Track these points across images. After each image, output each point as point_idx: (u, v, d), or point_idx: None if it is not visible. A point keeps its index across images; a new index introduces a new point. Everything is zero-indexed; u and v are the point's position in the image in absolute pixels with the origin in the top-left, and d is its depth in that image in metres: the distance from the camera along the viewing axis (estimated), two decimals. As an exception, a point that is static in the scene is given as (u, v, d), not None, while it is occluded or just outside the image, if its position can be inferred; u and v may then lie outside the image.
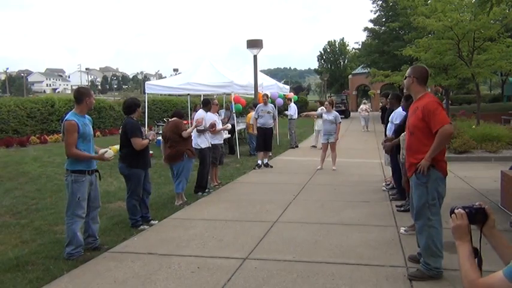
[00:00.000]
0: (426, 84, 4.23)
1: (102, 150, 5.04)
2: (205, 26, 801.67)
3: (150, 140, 6.02)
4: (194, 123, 7.81)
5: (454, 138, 12.02)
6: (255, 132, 11.51)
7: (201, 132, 8.00)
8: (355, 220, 6.04)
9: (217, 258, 4.65)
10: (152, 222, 6.15)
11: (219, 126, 8.67)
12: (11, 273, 4.33)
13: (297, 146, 15.75)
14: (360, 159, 12.56)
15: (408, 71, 4.20)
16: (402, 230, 5.43)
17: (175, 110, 8.17)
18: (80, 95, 4.99)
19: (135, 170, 5.87)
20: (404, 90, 4.73)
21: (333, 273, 4.16)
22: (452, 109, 27.13)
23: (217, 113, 10.45)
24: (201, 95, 15.89)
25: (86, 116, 5.08)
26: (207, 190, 8.10)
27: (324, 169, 10.51)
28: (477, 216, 1.85)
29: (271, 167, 11.02)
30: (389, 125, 7.30)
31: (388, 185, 8.05)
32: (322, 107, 16.53)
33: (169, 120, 7.63)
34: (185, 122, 9.83)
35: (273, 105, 11.98)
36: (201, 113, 8.48)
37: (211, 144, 8.51)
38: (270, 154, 12.10)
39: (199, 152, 8.00)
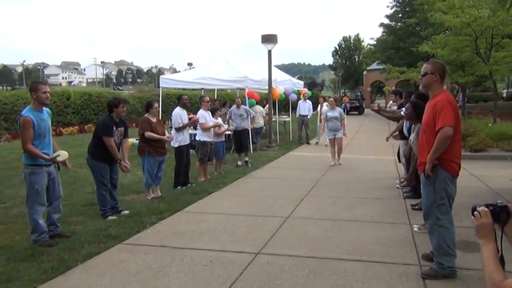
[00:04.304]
0: (444, 81, 4.16)
1: (56, 153, 5.07)
2: (220, 21, 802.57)
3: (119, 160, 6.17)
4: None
5: (470, 137, 11.89)
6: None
7: (179, 129, 8.05)
8: (368, 217, 6.01)
9: (229, 252, 4.67)
10: (123, 212, 6.27)
11: (209, 124, 8.74)
12: (27, 262, 4.40)
13: (308, 143, 15.68)
14: (373, 156, 12.47)
15: (428, 67, 4.06)
16: (415, 228, 5.39)
17: (147, 101, 7.90)
18: (30, 90, 4.99)
19: (98, 163, 6.06)
20: (421, 87, 4.67)
21: (345, 270, 4.15)
22: (469, 107, 26.77)
23: (229, 107, 10.37)
24: (215, 90, 15.94)
25: (45, 109, 5.07)
26: (188, 184, 8.21)
27: (337, 165, 10.48)
28: (501, 214, 1.82)
29: (250, 165, 10.77)
30: (405, 122, 7.24)
31: (402, 182, 7.99)
32: (326, 103, 16.48)
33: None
34: (189, 113, 9.73)
35: (247, 108, 11.73)
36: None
37: (201, 141, 8.62)
38: (251, 152, 11.82)
39: (176, 150, 8.08)
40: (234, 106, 11.39)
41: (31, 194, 4.92)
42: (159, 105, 8.04)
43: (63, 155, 5.09)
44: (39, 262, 4.39)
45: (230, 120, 11.03)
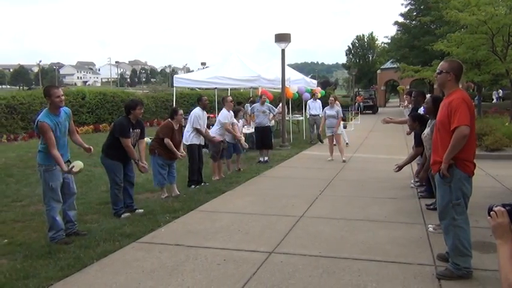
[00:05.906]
0: (460, 80, 4.11)
1: (71, 165, 5.07)
2: (233, 20, 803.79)
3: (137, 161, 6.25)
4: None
5: (486, 136, 11.73)
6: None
7: (197, 131, 8.12)
8: (382, 217, 5.97)
9: (243, 251, 4.68)
10: (138, 211, 6.31)
11: (218, 138, 8.76)
12: (44, 259, 4.47)
13: (321, 141, 15.60)
14: (387, 155, 12.37)
15: (445, 66, 4.02)
16: (430, 228, 5.34)
17: (172, 108, 7.94)
18: (44, 95, 5.06)
19: (111, 161, 6.11)
20: (435, 86, 4.63)
21: (359, 270, 4.13)
22: (484, 106, 26.42)
23: (243, 107, 10.44)
24: (228, 89, 15.97)
25: (63, 109, 5.11)
26: (202, 184, 8.23)
27: (351, 165, 10.47)
28: None
29: (267, 162, 10.91)
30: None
31: (417, 182, 7.92)
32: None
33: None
34: (212, 115, 9.89)
35: (270, 106, 11.99)
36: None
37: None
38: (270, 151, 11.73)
39: (188, 148, 8.14)
40: (258, 103, 11.68)
41: (46, 191, 5.02)
42: (173, 104, 8.10)
43: (77, 165, 5.11)
44: (55, 259, 4.45)
45: (253, 115, 11.21)
